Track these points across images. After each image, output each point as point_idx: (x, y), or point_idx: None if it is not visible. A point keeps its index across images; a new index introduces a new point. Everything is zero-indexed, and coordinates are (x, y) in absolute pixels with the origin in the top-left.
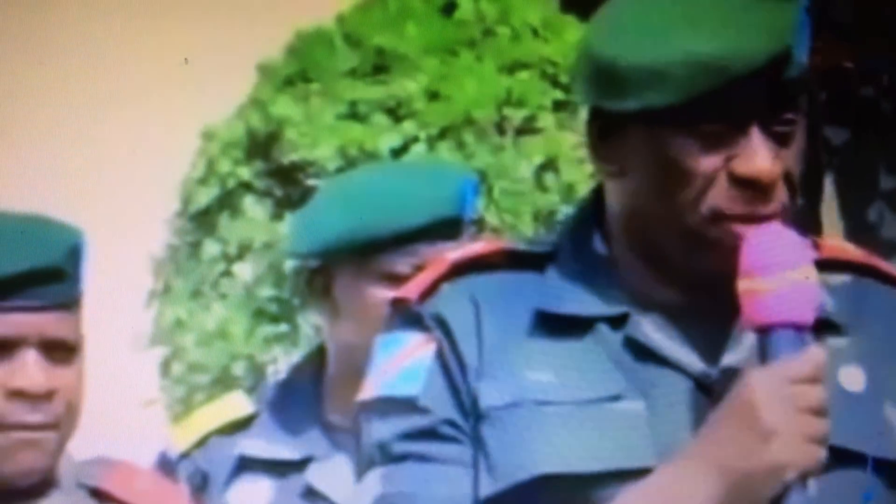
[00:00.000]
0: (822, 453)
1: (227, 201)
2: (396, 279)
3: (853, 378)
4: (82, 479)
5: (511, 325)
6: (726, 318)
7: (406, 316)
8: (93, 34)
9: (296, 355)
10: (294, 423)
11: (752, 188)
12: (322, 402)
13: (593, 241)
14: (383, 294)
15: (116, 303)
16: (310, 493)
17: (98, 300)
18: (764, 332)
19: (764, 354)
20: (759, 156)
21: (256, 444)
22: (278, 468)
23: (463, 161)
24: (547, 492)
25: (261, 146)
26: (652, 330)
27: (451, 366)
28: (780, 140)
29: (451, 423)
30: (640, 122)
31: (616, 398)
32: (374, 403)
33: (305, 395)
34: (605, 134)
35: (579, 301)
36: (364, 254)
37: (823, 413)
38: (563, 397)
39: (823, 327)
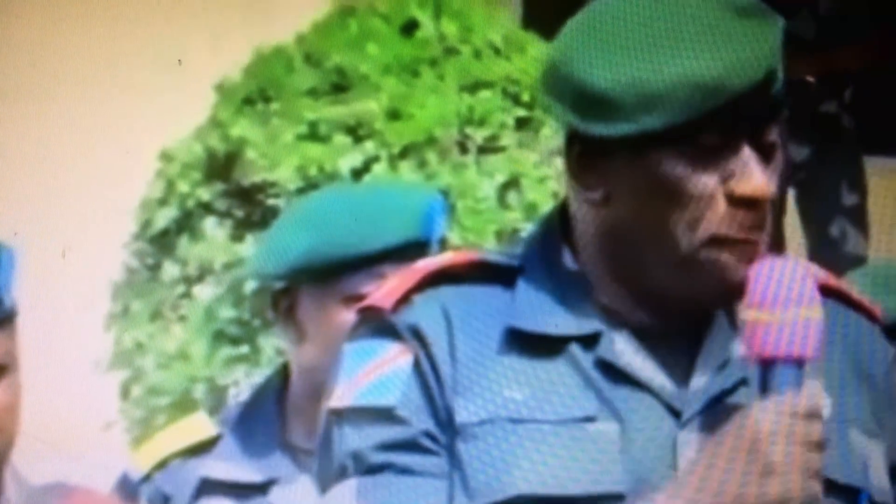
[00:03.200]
0: (819, 488)
1: (187, 223)
2: (361, 301)
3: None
4: None
5: (483, 341)
6: (694, 340)
7: (378, 325)
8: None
9: (257, 377)
10: (257, 445)
11: (750, 207)
12: (285, 424)
13: (562, 256)
14: (348, 316)
15: (76, 326)
16: None
17: (57, 323)
18: (766, 364)
19: (765, 387)
20: (756, 174)
21: (218, 467)
22: (241, 491)
23: (425, 180)
24: None
25: (220, 167)
26: (624, 350)
27: (428, 378)
28: (766, 158)
29: (430, 436)
30: (629, 146)
31: (590, 419)
32: (347, 412)
33: (268, 417)
34: (586, 159)
35: (550, 319)
36: (329, 276)
37: (822, 448)
38: (537, 416)
39: None
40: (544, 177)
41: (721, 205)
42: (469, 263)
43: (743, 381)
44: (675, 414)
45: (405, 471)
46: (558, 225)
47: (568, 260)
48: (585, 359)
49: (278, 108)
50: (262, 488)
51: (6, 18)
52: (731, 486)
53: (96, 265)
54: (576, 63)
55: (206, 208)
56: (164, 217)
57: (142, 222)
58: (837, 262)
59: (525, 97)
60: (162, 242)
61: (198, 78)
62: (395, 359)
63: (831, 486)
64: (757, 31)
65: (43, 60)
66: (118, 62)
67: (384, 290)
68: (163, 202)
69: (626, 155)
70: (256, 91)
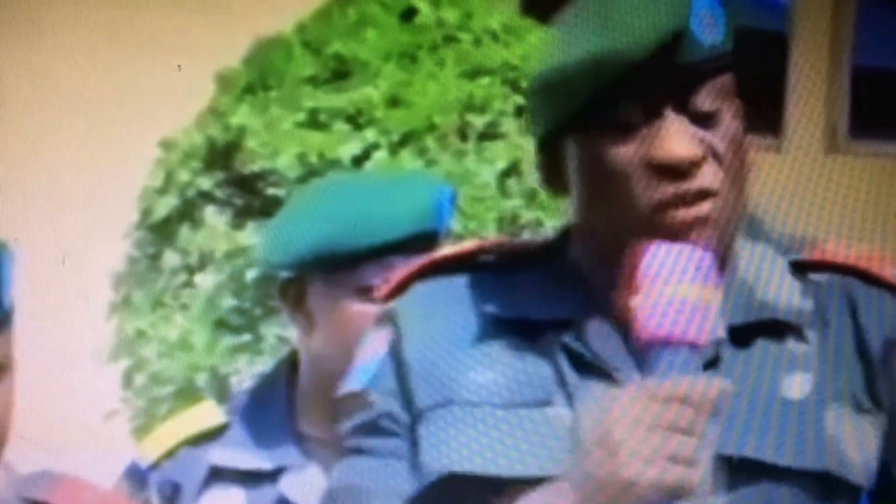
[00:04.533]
0: (689, 474)
1: (187, 211)
2: (371, 293)
3: (796, 385)
4: (25, 493)
5: (463, 327)
6: None
7: (379, 312)
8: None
9: (258, 365)
10: (266, 433)
11: (673, 172)
12: (294, 412)
13: (566, 246)
14: (358, 307)
15: (78, 316)
16: (283, 503)
17: (59, 314)
18: (646, 347)
19: (642, 369)
20: (672, 139)
21: (228, 455)
22: (250, 478)
23: (425, 168)
24: (458, 493)
25: (220, 155)
26: (595, 337)
27: (399, 361)
28: (702, 122)
29: (391, 417)
30: (572, 137)
31: (545, 403)
32: (340, 399)
33: (277, 405)
34: (546, 154)
35: (530, 305)
36: (338, 267)
37: (691, 433)
38: (496, 400)
39: (786, 330)
40: None
41: (645, 173)
42: (483, 249)
43: (713, 364)
44: None
45: (367, 452)
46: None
47: (567, 249)
48: (556, 343)
49: (278, 97)
50: (271, 476)
51: (4, 29)
52: (581, 465)
53: (98, 270)
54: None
55: (207, 197)
56: (165, 206)
57: (142, 211)
58: None
59: (524, 84)
60: (162, 231)
61: (201, 79)
62: (375, 343)
63: (793, 473)
64: (653, 3)
65: (41, 65)
66: (119, 62)
67: (389, 278)
68: (163, 191)
69: (567, 144)
70: (256, 79)
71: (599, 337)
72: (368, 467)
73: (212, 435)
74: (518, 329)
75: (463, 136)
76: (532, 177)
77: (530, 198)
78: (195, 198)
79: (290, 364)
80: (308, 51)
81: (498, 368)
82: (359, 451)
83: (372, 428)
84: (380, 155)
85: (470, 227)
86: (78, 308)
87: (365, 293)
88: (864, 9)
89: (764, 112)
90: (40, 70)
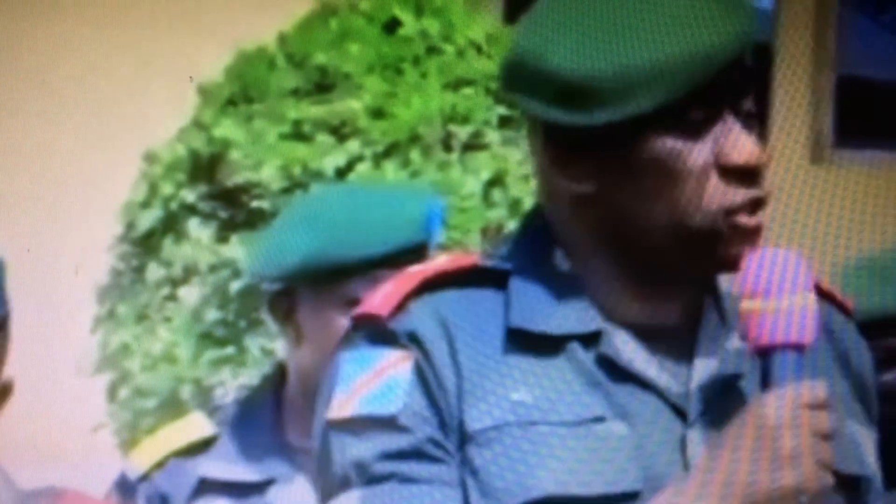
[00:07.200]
0: (829, 478)
1: (171, 224)
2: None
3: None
4: None
5: (484, 344)
6: (688, 339)
7: (375, 332)
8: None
9: (242, 377)
10: (254, 445)
11: (745, 175)
12: (282, 424)
13: (554, 258)
14: (347, 321)
15: (62, 330)
16: None
17: (44, 328)
18: (764, 353)
19: (765, 376)
20: (746, 142)
21: (217, 466)
22: (239, 490)
23: (409, 179)
24: None
25: (204, 168)
26: (625, 349)
27: (430, 384)
28: (748, 127)
29: (435, 443)
30: (619, 132)
31: (599, 419)
32: (349, 422)
33: (266, 417)
34: (571, 153)
35: (550, 319)
36: (330, 280)
37: (831, 438)
38: (548, 418)
39: None
40: (528, 174)
41: (715, 177)
42: (463, 268)
43: (740, 376)
44: (680, 413)
45: (410, 480)
46: (541, 227)
47: (560, 261)
48: (587, 357)
49: (261, 109)
50: (259, 488)
51: (15, 42)
52: (739, 476)
53: (74, 267)
54: (551, 55)
55: (191, 210)
56: (149, 219)
57: (126, 224)
58: None
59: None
60: (146, 244)
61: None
62: (394, 365)
63: (836, 477)
64: (731, 3)
65: (53, 81)
66: (133, 77)
67: (379, 296)
68: (146, 204)
69: (615, 141)
70: (239, 92)
71: (631, 350)
72: (415, 494)
73: (201, 447)
74: (539, 343)
75: (447, 147)
76: (516, 187)
77: (514, 208)
78: (179, 210)
79: (278, 376)
80: (291, 63)
81: (535, 386)
82: (398, 479)
83: (413, 454)
84: (363, 166)
85: (454, 238)
86: (67, 319)
87: (355, 307)
88: (848, 17)
89: None
90: (49, 79)
